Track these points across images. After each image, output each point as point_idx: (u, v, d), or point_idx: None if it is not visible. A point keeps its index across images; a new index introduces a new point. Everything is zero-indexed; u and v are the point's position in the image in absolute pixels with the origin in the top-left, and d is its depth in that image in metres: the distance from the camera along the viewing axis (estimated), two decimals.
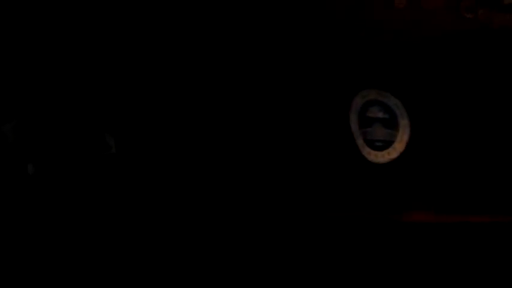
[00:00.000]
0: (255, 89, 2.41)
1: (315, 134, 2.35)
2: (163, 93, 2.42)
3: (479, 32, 2.12)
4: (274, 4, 2.41)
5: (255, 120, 2.39)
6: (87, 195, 1.80)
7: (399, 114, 2.31)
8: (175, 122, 2.45)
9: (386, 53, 2.33)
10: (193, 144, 2.47)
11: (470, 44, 2.33)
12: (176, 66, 2.48)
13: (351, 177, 2.29)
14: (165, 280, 1.65)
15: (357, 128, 2.25)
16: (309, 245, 2.08)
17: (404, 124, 2.33)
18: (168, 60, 2.50)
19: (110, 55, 2.23)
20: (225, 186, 2.30)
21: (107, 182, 1.92)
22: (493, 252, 1.93)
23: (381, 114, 2.20)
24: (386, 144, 2.23)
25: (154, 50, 2.33)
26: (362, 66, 2.38)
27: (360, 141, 2.24)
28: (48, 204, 1.71)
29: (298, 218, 2.08)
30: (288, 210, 2.15)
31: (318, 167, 2.26)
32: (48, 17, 1.91)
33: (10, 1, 1.75)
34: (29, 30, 1.88)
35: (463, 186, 2.48)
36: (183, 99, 2.47)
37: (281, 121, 2.33)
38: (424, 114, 2.46)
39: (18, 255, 1.62)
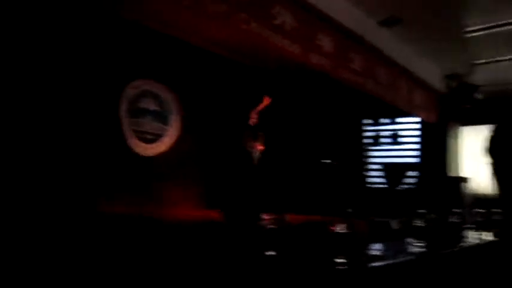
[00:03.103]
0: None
1: (80, 123, 2.14)
2: None
3: (258, 40, 2.21)
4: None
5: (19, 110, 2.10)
6: None
7: (173, 108, 2.27)
8: None
9: (168, 48, 2.22)
10: None
11: (250, 50, 2.42)
12: None
13: (115, 170, 2.19)
14: None
15: (127, 118, 2.13)
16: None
17: (176, 119, 2.31)
18: None
19: None
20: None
21: None
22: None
23: (153, 107, 2.12)
24: (156, 137, 2.18)
25: None
26: (137, 58, 2.22)
27: (128, 133, 2.13)
28: None
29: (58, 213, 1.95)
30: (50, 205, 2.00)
31: (81, 158, 2.09)
32: None
33: None
34: None
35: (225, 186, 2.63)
36: None
37: (46, 112, 2.08)
38: (197, 111, 2.48)
39: None
